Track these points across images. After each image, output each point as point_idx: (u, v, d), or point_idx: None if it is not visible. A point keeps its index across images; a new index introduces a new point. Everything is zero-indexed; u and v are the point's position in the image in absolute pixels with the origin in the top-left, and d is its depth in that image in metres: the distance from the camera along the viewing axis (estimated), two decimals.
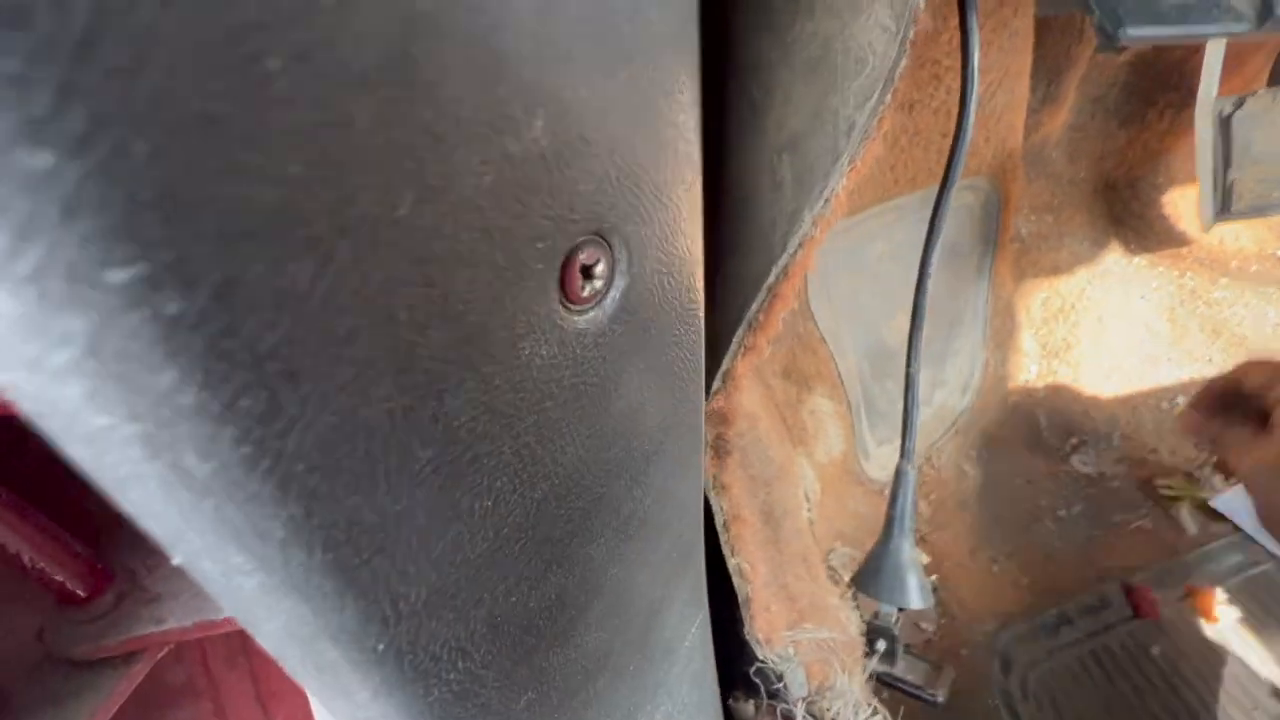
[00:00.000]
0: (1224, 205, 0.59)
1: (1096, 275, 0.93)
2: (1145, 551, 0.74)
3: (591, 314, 0.18)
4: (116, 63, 0.07)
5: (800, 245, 0.32)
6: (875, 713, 0.47)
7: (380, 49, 0.10)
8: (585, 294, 0.18)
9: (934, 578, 0.71)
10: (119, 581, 0.36)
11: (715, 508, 0.40)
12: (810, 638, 0.46)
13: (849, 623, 0.52)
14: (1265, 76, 0.72)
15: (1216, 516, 0.77)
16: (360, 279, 0.11)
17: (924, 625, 0.67)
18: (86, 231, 0.08)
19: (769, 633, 0.44)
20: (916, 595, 0.46)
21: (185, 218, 0.08)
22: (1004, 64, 0.62)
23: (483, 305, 0.14)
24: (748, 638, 0.43)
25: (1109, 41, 0.31)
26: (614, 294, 0.19)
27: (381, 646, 0.15)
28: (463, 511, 0.16)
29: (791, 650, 0.44)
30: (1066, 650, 0.66)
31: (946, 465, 0.83)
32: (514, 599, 0.20)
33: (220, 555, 0.11)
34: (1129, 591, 0.70)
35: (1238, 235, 0.92)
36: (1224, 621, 0.67)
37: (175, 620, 0.35)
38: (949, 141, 0.39)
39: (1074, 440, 0.87)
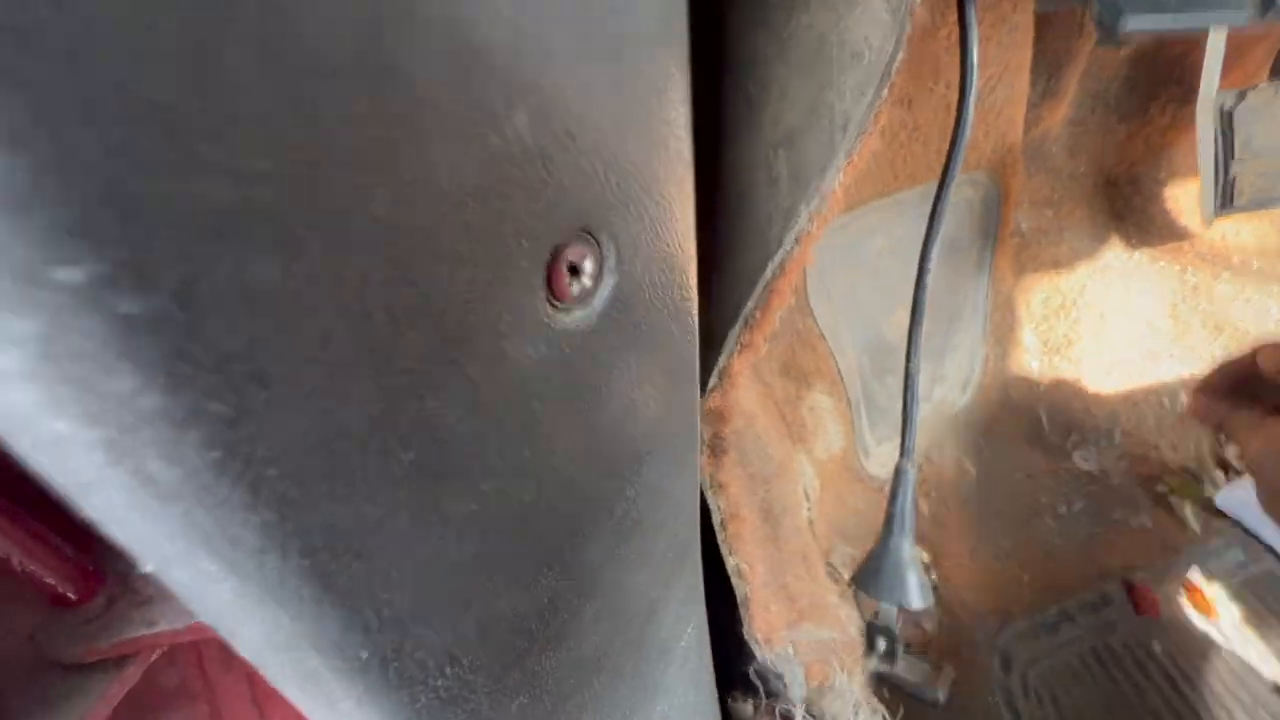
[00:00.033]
0: (1226, 200, 0.59)
1: (1097, 270, 0.92)
2: (1146, 549, 0.74)
3: (580, 313, 0.18)
4: (57, 49, 0.07)
5: (797, 241, 0.32)
6: (875, 712, 0.47)
7: (349, 37, 0.09)
8: (573, 292, 0.17)
9: (934, 576, 0.71)
10: (110, 584, 0.36)
11: (712, 506, 0.40)
12: (809, 637, 0.46)
13: (849, 622, 0.52)
14: (1267, 69, 0.72)
15: (1218, 513, 0.76)
16: (333, 278, 0.11)
17: (924, 624, 0.67)
18: (34, 229, 0.07)
19: (768, 632, 0.43)
20: (916, 594, 0.45)
21: (141, 214, 0.08)
22: (1003, 58, 0.62)
23: (465, 305, 0.14)
24: (746, 637, 0.43)
25: (1108, 33, 0.30)
26: (603, 292, 0.18)
27: (365, 654, 0.15)
28: (448, 515, 0.16)
29: (791, 650, 0.44)
30: (1067, 648, 0.66)
31: (946, 462, 0.82)
32: (504, 603, 0.19)
33: (191, 562, 0.11)
34: (1130, 589, 0.70)
35: (1239, 231, 0.91)
36: (1225, 619, 0.67)
37: (167, 622, 0.35)
38: (948, 137, 0.39)
39: (1075, 437, 0.86)
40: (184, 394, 0.09)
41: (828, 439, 0.70)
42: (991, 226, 0.79)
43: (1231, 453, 0.81)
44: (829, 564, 0.60)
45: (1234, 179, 0.60)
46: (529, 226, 0.15)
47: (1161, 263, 0.94)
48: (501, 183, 0.14)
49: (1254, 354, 0.45)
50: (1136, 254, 0.93)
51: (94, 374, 0.08)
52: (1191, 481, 0.80)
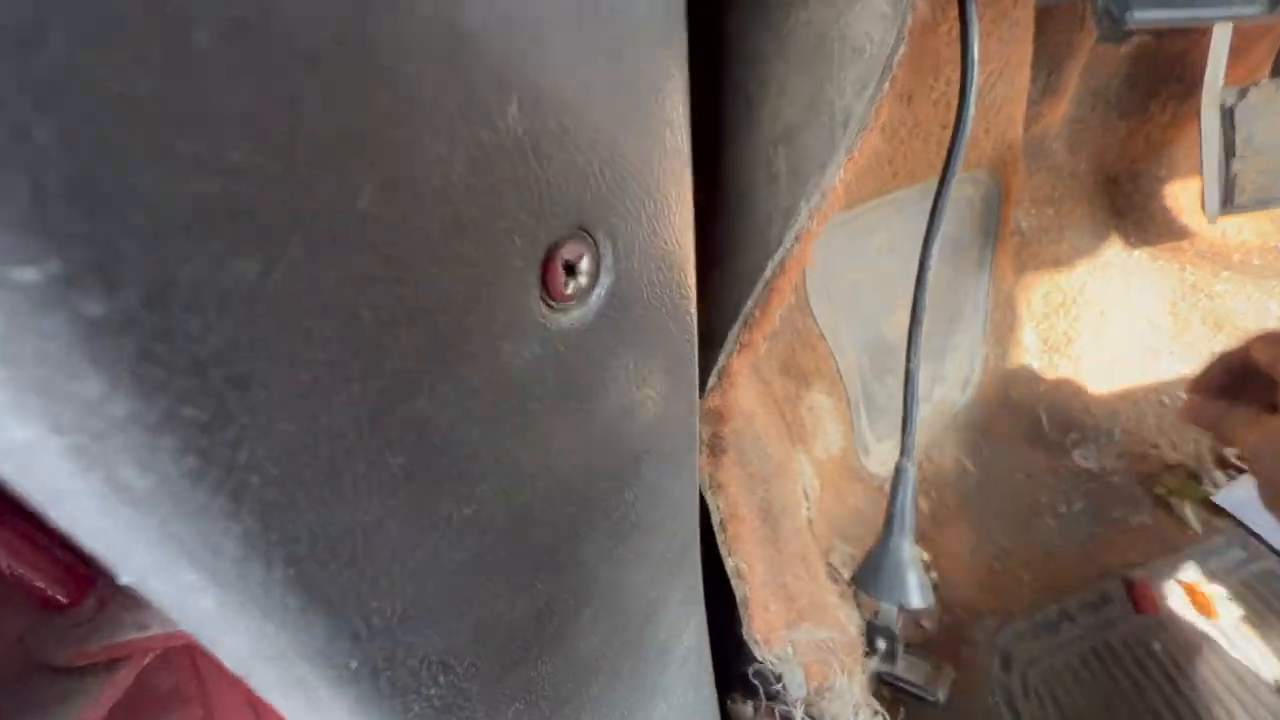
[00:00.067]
0: (1227, 197, 0.59)
1: (1097, 268, 0.92)
2: (1146, 547, 0.74)
3: (576, 312, 0.17)
4: (5, 30, 0.06)
5: (797, 239, 0.31)
6: (875, 713, 0.47)
7: (330, 23, 0.09)
8: (569, 291, 0.17)
9: (933, 575, 0.71)
10: (101, 586, 0.35)
11: (711, 506, 0.40)
12: (809, 638, 0.46)
13: (848, 622, 0.52)
14: (1268, 67, 0.71)
15: (1218, 512, 0.76)
16: (317, 276, 0.10)
17: (924, 623, 0.67)
18: None
19: (767, 633, 0.43)
20: (917, 594, 0.45)
21: (105, 210, 0.07)
22: (1004, 54, 0.61)
23: (457, 304, 0.14)
24: (746, 638, 0.42)
25: (1115, 25, 0.30)
26: (599, 291, 0.18)
27: (355, 663, 0.14)
28: (440, 520, 0.15)
29: (790, 650, 0.44)
30: (1067, 647, 0.65)
31: (946, 461, 0.82)
32: (499, 608, 0.19)
33: (170, 573, 0.11)
34: (1130, 588, 0.70)
35: (1240, 228, 0.91)
36: (1225, 618, 0.67)
37: (160, 625, 0.34)
38: (949, 133, 0.38)
39: (1075, 435, 0.86)
40: (156, 399, 0.09)
41: (827, 439, 0.69)
42: (992, 225, 0.79)
43: (1231, 451, 0.81)
44: (828, 564, 0.60)
45: (1235, 176, 0.59)
46: (522, 223, 0.14)
47: (1161, 260, 0.93)
48: (494, 178, 0.13)
49: (1248, 347, 0.44)
50: (1136, 252, 0.93)
51: (58, 378, 0.08)
52: (1191, 480, 0.80)
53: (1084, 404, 0.88)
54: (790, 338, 0.64)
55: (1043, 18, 0.63)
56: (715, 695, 0.41)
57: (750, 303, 0.33)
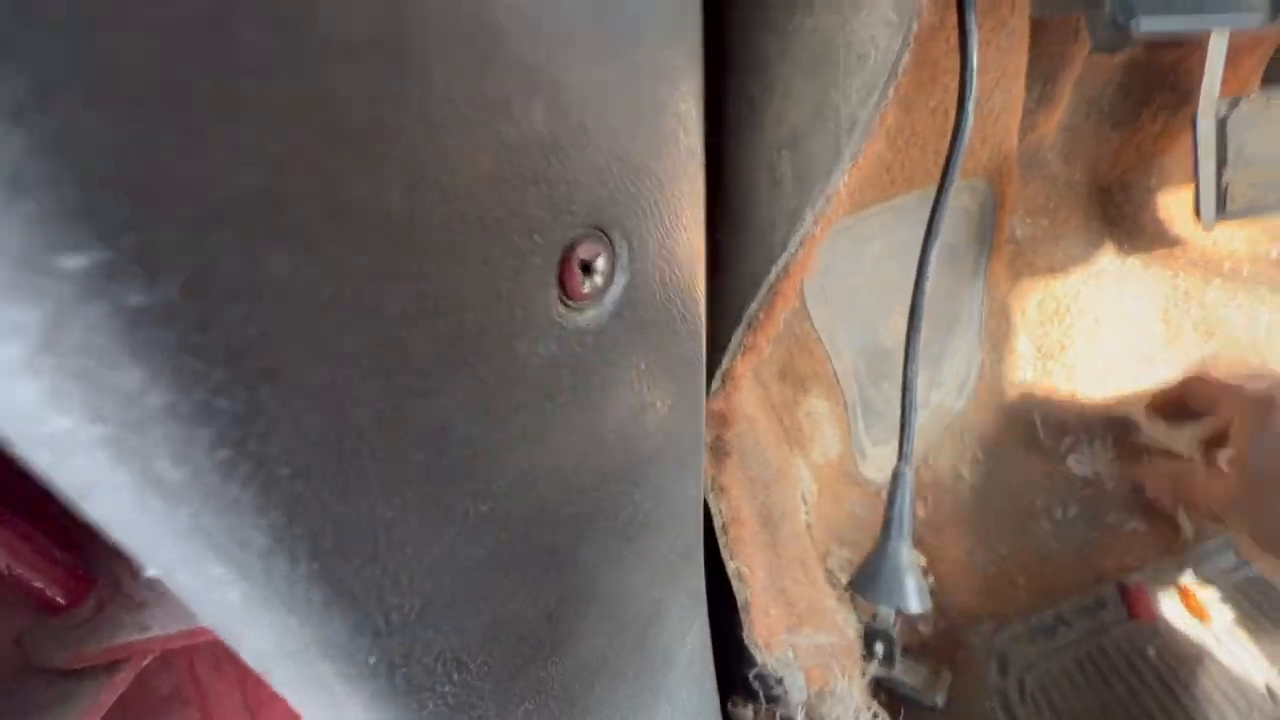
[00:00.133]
0: (1220, 206, 0.59)
1: (1091, 277, 0.93)
2: (1141, 552, 0.74)
3: (592, 312, 0.17)
4: (58, 20, 0.06)
5: (801, 244, 0.32)
6: (875, 716, 0.47)
7: (366, 19, 0.09)
8: (585, 290, 0.17)
9: (930, 579, 0.71)
10: (101, 588, 0.35)
11: (714, 510, 0.40)
12: (809, 642, 0.46)
13: (847, 626, 0.52)
14: (1258, 79, 0.73)
15: (1211, 517, 0.77)
16: (346, 270, 0.10)
17: (921, 627, 0.67)
18: (34, 212, 0.07)
19: (768, 637, 0.43)
20: (914, 598, 0.45)
21: (149, 199, 0.07)
22: (1001, 64, 0.62)
23: (479, 301, 0.14)
24: (747, 642, 0.42)
25: (1121, 34, 0.30)
26: (615, 290, 0.18)
27: (373, 659, 0.14)
28: (457, 516, 0.15)
29: (791, 654, 0.44)
30: (1063, 652, 0.66)
31: (943, 467, 0.82)
32: (512, 607, 0.19)
33: (198, 567, 0.11)
34: (1124, 592, 0.70)
35: (1230, 237, 0.92)
36: (1218, 622, 0.67)
37: (159, 627, 0.34)
38: (946, 142, 0.39)
39: (1069, 441, 0.87)
40: (193, 390, 0.09)
41: (824, 443, 0.70)
42: (987, 233, 0.80)
43: (1223, 457, 0.82)
44: (827, 568, 0.60)
45: (1226, 187, 0.60)
46: (543, 222, 0.14)
47: (1154, 269, 0.94)
48: (516, 176, 0.13)
49: (1184, 386, 0.44)
50: (1129, 260, 0.94)
51: (99, 368, 0.08)
52: None
53: (1078, 410, 0.89)
54: (789, 343, 0.64)
55: (1037, 28, 0.64)
56: (717, 699, 0.41)
57: (754, 306, 0.34)
